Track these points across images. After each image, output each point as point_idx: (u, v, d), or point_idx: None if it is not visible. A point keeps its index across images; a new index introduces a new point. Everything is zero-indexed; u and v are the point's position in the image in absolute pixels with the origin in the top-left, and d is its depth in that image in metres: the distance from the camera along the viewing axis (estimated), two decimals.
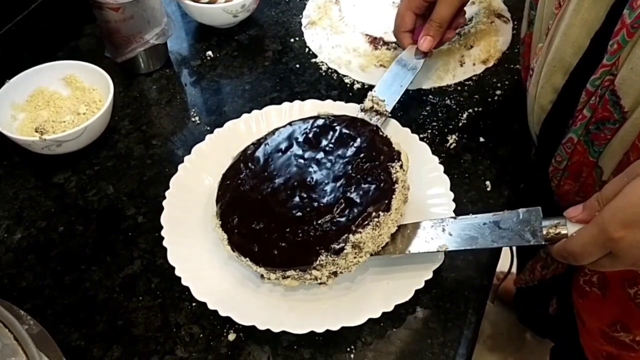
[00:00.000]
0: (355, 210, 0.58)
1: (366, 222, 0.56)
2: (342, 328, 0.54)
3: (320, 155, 0.64)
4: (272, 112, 0.72)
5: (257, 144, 0.67)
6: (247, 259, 0.57)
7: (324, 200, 0.59)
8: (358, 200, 0.58)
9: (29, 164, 0.74)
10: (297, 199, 0.60)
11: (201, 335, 0.57)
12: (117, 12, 0.75)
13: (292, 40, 0.88)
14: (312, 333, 0.54)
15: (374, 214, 0.57)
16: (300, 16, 0.92)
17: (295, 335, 0.55)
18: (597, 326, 0.69)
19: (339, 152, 0.63)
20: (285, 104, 0.73)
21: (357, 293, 0.58)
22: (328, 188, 0.60)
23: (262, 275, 0.58)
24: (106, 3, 0.74)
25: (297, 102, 0.73)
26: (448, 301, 0.59)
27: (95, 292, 0.61)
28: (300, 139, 0.66)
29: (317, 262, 0.55)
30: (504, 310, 1.51)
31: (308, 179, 0.61)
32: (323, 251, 0.56)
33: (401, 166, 0.61)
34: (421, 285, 0.56)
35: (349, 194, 0.59)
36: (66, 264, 0.64)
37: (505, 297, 1.46)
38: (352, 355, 0.56)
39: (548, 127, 0.61)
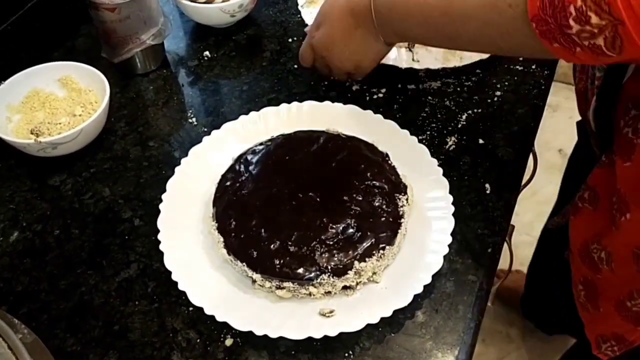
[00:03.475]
0: (363, 237, 0.57)
1: (373, 252, 0.56)
2: (340, 333, 0.53)
3: (328, 170, 0.63)
4: (270, 113, 0.72)
5: (261, 147, 0.66)
6: (244, 263, 0.57)
7: (330, 217, 0.58)
8: (366, 227, 0.58)
9: (25, 166, 0.73)
10: (302, 210, 0.59)
11: (198, 341, 0.57)
12: (113, 12, 0.74)
13: (290, 40, 0.88)
14: (309, 338, 0.54)
15: (380, 245, 0.57)
16: (299, 16, 0.91)
17: (293, 340, 0.54)
18: (582, 240, 0.68)
19: (347, 171, 0.63)
20: (283, 106, 0.72)
21: (355, 298, 0.57)
22: (334, 205, 0.60)
23: (253, 281, 0.57)
24: (102, 3, 0.74)
25: (295, 104, 0.72)
26: (447, 305, 0.58)
27: (91, 297, 0.61)
28: (308, 151, 0.65)
29: (317, 280, 0.55)
30: (503, 309, 1.51)
31: (314, 192, 0.61)
32: (326, 270, 0.55)
33: (407, 200, 0.61)
34: (420, 290, 0.56)
35: (356, 217, 0.59)
36: (62, 268, 0.63)
37: (506, 296, 1.46)
38: None
39: None
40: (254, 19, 0.91)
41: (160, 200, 0.63)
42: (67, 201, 0.69)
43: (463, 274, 0.60)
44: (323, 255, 0.56)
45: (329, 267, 0.56)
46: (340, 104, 0.72)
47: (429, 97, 0.78)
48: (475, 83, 0.79)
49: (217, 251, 0.60)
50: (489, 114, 0.75)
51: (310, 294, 0.56)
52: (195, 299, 0.56)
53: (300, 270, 0.56)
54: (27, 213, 0.68)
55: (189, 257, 0.60)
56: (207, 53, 0.86)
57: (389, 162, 0.64)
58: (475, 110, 0.76)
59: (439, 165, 0.65)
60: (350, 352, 0.56)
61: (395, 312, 0.54)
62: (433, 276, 0.56)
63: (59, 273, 0.63)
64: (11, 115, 0.74)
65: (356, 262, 0.56)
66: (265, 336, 0.54)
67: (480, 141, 0.72)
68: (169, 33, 0.82)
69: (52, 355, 0.49)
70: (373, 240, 0.57)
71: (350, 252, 0.56)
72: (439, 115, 0.75)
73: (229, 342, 0.57)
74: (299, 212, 0.59)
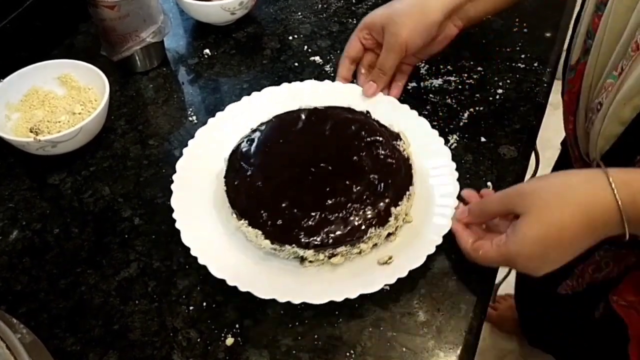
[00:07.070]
0: (387, 186, 0.60)
1: (402, 195, 0.59)
2: (341, 334, 0.53)
3: (324, 140, 0.65)
4: (272, 93, 0.74)
5: (257, 133, 0.67)
6: (293, 245, 0.57)
7: (351, 179, 0.60)
8: (385, 176, 0.61)
9: (24, 165, 0.73)
10: (322, 181, 0.61)
11: (198, 340, 0.57)
12: (113, 10, 0.74)
13: (290, 38, 0.87)
14: (311, 337, 0.53)
15: (404, 186, 0.60)
16: (299, 14, 0.91)
17: (294, 339, 0.54)
18: None
19: (342, 136, 0.65)
20: (284, 85, 0.74)
21: (372, 262, 0.59)
22: (349, 168, 0.62)
23: (302, 260, 0.58)
24: (101, 1, 0.73)
25: (296, 84, 0.75)
26: (449, 304, 0.58)
27: (90, 296, 0.60)
28: (296, 129, 0.67)
29: (367, 235, 0.57)
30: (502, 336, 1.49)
31: (324, 163, 0.62)
32: (371, 223, 0.57)
33: (404, 143, 0.64)
34: (432, 250, 0.57)
35: (372, 171, 0.61)
36: (61, 267, 0.63)
37: (502, 323, 1.46)
38: None
39: (612, 154, 0.61)
40: (254, 17, 0.91)
41: (160, 199, 0.64)
42: (66, 200, 0.69)
43: (466, 273, 0.60)
44: (361, 212, 0.58)
45: (373, 221, 0.58)
46: (339, 83, 0.75)
47: (431, 95, 0.77)
48: (477, 81, 0.79)
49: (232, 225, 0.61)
50: (490, 112, 0.75)
51: (361, 252, 0.58)
52: (217, 271, 0.56)
53: (351, 232, 0.57)
54: (26, 212, 0.68)
55: (203, 234, 0.61)
56: (207, 51, 0.86)
57: (372, 118, 0.67)
58: (477, 108, 0.75)
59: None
60: (352, 351, 0.55)
61: (397, 310, 0.55)
62: (435, 275, 0.57)
63: (58, 272, 0.62)
64: (10, 114, 0.73)
65: (393, 208, 0.59)
66: (266, 335, 0.54)
67: (482, 139, 0.72)
68: (168, 31, 0.82)
69: (51, 355, 0.49)
70: (397, 185, 0.60)
71: (383, 202, 0.59)
72: (440, 114, 0.75)
73: (229, 341, 0.56)
74: (321, 183, 0.61)
